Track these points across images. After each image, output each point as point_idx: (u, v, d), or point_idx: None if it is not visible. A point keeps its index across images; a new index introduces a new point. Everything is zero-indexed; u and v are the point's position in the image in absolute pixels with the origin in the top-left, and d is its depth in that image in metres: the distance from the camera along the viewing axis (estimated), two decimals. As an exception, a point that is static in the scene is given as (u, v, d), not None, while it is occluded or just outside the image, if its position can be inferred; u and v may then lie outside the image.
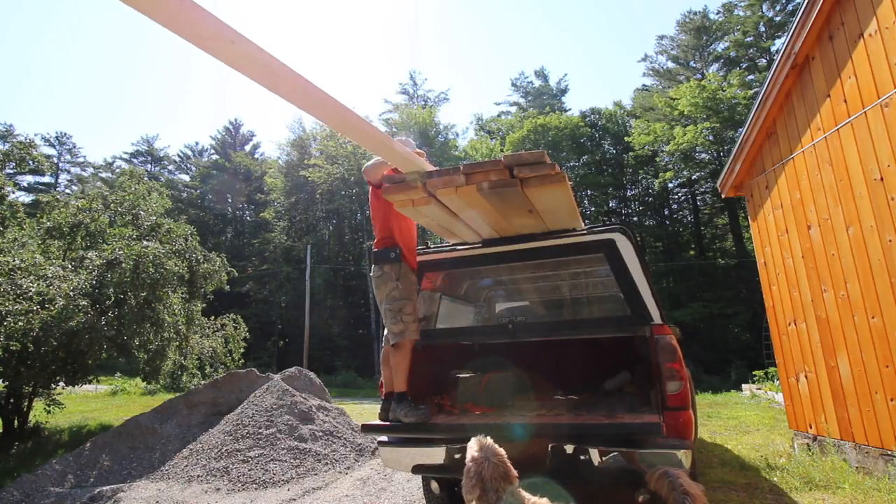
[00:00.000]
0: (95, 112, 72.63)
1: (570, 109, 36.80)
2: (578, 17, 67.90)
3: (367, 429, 3.23)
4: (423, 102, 39.62)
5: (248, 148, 44.35)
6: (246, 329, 11.29)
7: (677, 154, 26.54)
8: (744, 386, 13.23)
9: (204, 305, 10.21)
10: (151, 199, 9.68)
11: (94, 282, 7.41)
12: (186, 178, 43.49)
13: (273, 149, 58.78)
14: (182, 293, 9.18)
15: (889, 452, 4.05)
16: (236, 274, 11.14)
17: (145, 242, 8.13)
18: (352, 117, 2.38)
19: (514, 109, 40.04)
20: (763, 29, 28.44)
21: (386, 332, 3.24)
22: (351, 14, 70.85)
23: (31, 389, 7.95)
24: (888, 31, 3.94)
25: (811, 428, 5.10)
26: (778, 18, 27.62)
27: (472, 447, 2.14)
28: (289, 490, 4.80)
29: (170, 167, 44.82)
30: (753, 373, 13.65)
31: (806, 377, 5.17)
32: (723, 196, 6.59)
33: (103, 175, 40.67)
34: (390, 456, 3.07)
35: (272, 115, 76.12)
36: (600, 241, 3.11)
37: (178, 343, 8.88)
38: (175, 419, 6.67)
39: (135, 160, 42.88)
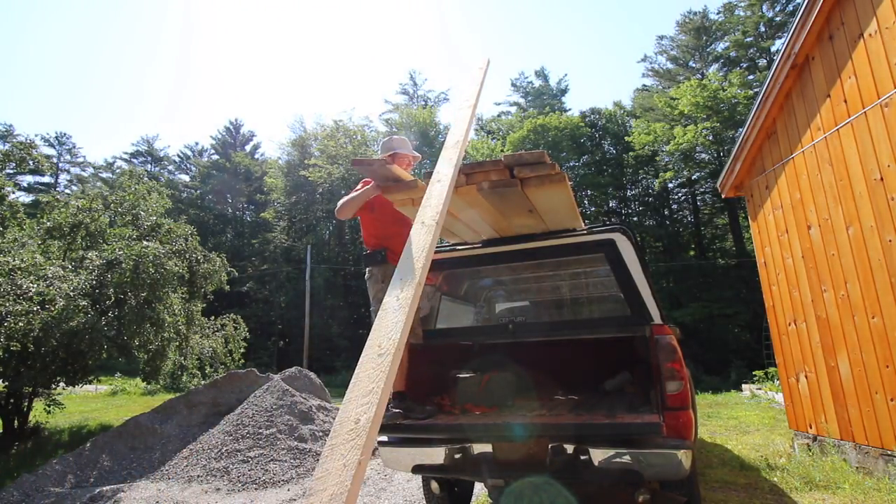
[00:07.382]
0: (95, 112, 72.68)
1: (570, 109, 36.69)
2: (578, 17, 67.95)
3: None
4: (423, 102, 39.64)
5: (248, 148, 44.33)
6: (246, 329, 11.30)
7: (677, 154, 26.50)
8: (744, 386, 13.22)
9: (204, 305, 10.21)
10: (151, 200, 9.67)
11: (94, 282, 7.40)
12: (186, 178, 43.45)
13: (273, 149, 58.87)
14: (182, 293, 9.18)
15: (889, 452, 4.05)
16: (236, 274, 11.15)
17: (145, 242, 8.13)
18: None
19: (514, 109, 39.95)
20: (763, 29, 28.43)
21: None
22: (351, 13, 70.94)
23: (31, 389, 7.95)
24: (888, 31, 3.94)
25: (811, 428, 5.10)
26: (778, 18, 27.61)
27: None
28: (289, 490, 4.80)
29: (170, 167, 44.76)
30: (753, 373, 13.63)
31: (806, 377, 5.17)
32: (723, 196, 6.59)
33: (103, 175, 40.64)
34: (390, 456, 3.06)
35: (272, 115, 76.09)
36: (600, 241, 3.10)
37: (178, 343, 8.88)
38: (175, 419, 6.67)
39: (135, 160, 42.81)
